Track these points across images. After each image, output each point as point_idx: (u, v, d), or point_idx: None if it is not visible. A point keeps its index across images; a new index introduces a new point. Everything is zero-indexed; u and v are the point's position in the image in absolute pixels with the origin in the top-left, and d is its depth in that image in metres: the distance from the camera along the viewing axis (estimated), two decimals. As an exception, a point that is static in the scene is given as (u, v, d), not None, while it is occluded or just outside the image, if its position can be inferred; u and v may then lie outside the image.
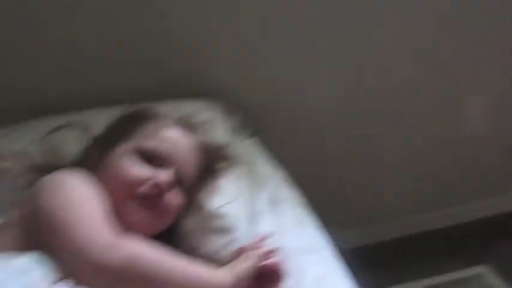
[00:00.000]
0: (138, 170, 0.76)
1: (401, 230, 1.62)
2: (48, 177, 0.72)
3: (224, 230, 0.81)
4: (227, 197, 0.85)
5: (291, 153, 1.20)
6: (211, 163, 0.89)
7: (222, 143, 0.96)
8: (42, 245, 0.64)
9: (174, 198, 0.78)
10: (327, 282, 0.79)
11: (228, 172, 0.92)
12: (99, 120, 1.03)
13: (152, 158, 0.78)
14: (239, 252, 0.75)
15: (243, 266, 0.71)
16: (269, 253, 0.75)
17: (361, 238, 1.55)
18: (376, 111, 1.44)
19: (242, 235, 0.82)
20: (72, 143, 0.94)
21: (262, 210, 0.89)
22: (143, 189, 0.75)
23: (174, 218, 0.80)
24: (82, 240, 0.62)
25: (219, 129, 1.05)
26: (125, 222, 0.71)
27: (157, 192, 0.75)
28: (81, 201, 0.67)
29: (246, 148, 1.10)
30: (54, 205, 0.66)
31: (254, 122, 1.21)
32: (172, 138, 0.82)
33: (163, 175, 0.77)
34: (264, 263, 0.73)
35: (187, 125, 0.88)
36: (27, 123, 1.06)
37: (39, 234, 0.65)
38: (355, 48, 1.36)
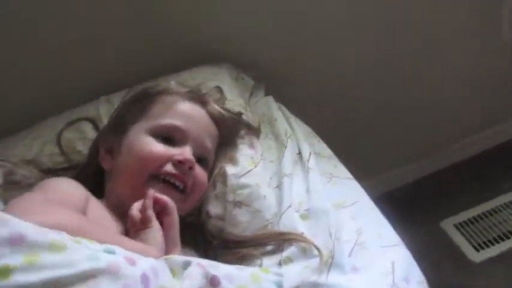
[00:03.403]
0: (158, 148, 0.73)
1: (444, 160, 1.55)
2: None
3: (248, 202, 0.77)
4: (247, 165, 0.81)
5: (303, 108, 1.13)
6: (228, 133, 0.84)
7: (237, 110, 0.91)
8: None
9: (199, 176, 0.75)
10: (367, 236, 0.74)
11: (246, 138, 0.87)
12: (108, 109, 1.02)
13: (168, 136, 0.75)
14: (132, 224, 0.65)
15: (155, 235, 0.62)
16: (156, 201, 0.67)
17: (396, 179, 1.50)
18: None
19: (269, 203, 0.78)
20: (89, 137, 0.93)
21: (289, 171, 0.84)
22: (167, 168, 0.71)
23: (199, 198, 0.77)
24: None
25: (231, 94, 0.99)
26: None
27: (183, 170, 0.72)
28: (46, 190, 0.64)
29: (263, 107, 1.04)
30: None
31: (266, 80, 1.14)
32: (186, 112, 0.78)
33: (186, 152, 0.73)
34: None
35: (198, 96, 0.83)
36: (38, 125, 1.05)
37: None
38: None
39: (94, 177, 0.79)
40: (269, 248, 0.72)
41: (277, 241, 0.72)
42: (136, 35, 1.12)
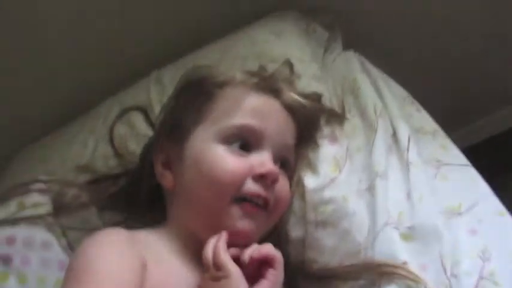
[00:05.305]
0: (235, 163, 0.56)
1: None
2: (75, 254, 0.54)
3: (334, 221, 0.61)
4: (329, 171, 0.64)
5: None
6: (306, 126, 0.66)
7: (314, 92, 0.71)
8: None
9: (282, 188, 0.59)
10: (496, 264, 0.55)
11: (326, 128, 0.69)
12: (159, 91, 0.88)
13: (243, 141, 0.58)
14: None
15: None
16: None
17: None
18: None
19: (360, 220, 0.61)
20: (141, 132, 0.81)
21: (382, 168, 0.65)
22: (248, 187, 0.56)
23: (281, 216, 0.62)
24: None
25: (302, 61, 0.78)
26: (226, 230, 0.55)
27: (265, 185, 0.56)
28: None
29: (342, 68, 0.83)
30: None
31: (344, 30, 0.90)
32: (259, 108, 0.60)
33: (266, 160, 0.57)
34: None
35: (269, 84, 0.64)
36: (93, 112, 0.95)
37: None
38: None
39: (149, 194, 0.67)
40: (362, 282, 0.58)
41: (372, 275, 0.57)
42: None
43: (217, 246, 0.52)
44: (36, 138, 0.95)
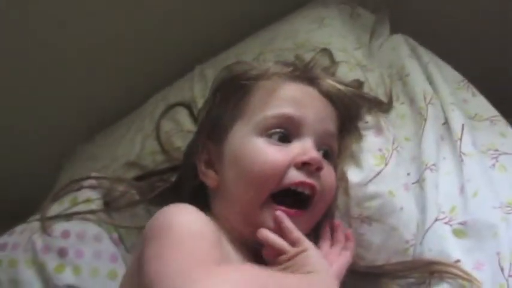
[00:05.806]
0: (275, 155, 0.55)
1: None
2: (154, 220, 0.52)
3: (380, 217, 0.58)
4: (374, 164, 0.60)
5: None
6: (347, 115, 0.63)
7: (356, 80, 0.68)
8: None
9: (327, 178, 0.57)
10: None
11: (370, 118, 0.66)
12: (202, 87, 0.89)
13: (280, 132, 0.57)
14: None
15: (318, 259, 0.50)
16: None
17: None
18: None
19: (408, 216, 0.58)
20: (185, 128, 0.82)
21: (432, 160, 0.61)
22: (292, 176, 0.54)
23: (326, 209, 0.59)
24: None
25: (345, 50, 0.75)
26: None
27: (309, 173, 0.54)
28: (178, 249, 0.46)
29: (390, 54, 0.79)
30: (150, 254, 0.48)
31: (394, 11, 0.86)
32: (295, 97, 0.59)
33: (309, 147, 0.55)
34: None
35: (305, 73, 0.63)
36: (141, 109, 0.98)
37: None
38: None
39: (194, 192, 0.67)
40: (411, 280, 0.55)
41: (422, 273, 0.54)
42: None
43: (285, 226, 0.52)
44: (88, 137, 1.00)
